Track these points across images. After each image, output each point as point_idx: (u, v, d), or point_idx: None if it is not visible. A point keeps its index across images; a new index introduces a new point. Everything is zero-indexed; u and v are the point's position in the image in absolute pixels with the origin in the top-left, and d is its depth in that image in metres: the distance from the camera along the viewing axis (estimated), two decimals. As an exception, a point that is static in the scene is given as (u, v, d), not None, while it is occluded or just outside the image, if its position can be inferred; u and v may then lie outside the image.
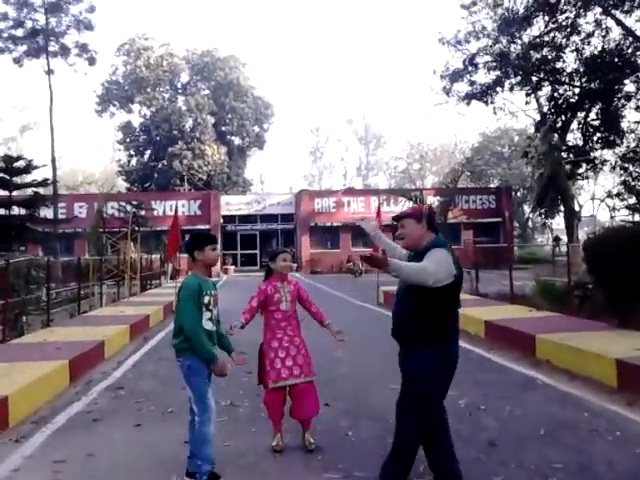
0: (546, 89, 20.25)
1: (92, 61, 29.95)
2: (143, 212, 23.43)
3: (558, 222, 27.10)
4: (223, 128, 47.00)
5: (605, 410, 5.02)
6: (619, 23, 17.85)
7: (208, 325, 3.62)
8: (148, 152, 46.77)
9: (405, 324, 3.26)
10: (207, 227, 32.14)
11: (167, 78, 46.37)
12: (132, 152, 47.13)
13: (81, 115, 77.05)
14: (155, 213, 31.00)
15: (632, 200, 16.72)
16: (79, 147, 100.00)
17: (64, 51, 29.05)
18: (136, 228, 21.56)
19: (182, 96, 47.12)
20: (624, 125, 18.93)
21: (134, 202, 23.21)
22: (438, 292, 3.06)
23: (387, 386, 6.03)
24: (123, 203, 24.01)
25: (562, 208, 19.89)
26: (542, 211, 20.08)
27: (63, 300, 12.67)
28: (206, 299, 3.61)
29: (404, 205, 25.79)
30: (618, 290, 7.77)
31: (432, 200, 25.46)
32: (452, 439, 3.41)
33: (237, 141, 48.63)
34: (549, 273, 13.48)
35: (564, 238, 22.78)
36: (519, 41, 19.85)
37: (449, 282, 3.09)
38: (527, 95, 20.98)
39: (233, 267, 34.46)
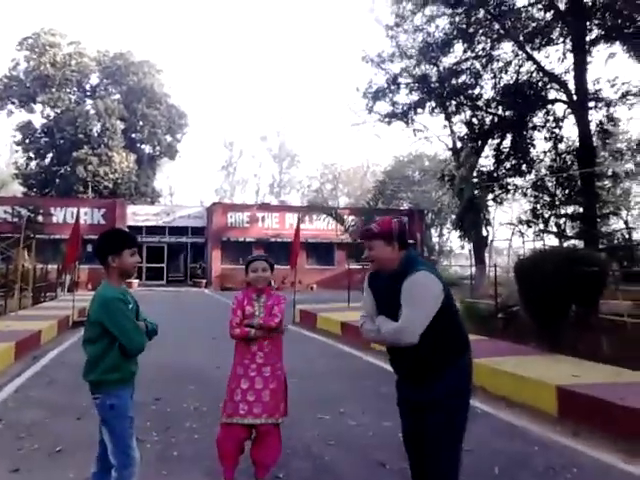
0: (464, 114, 20.79)
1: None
2: (40, 218, 21.53)
3: (461, 246, 27.67)
4: (133, 135, 44.83)
5: (553, 442, 4.69)
6: (530, 57, 18.62)
7: None
8: (50, 156, 43.48)
9: (420, 358, 2.76)
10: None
11: (75, 79, 43.52)
12: (32, 154, 43.66)
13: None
14: (54, 220, 28.58)
15: (540, 226, 17.38)
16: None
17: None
18: (30, 235, 19.67)
19: (90, 99, 44.46)
20: (533, 154, 19.71)
21: (30, 207, 21.27)
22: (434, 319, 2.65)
23: (315, 416, 5.42)
24: (17, 207, 21.94)
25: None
26: (460, 234, 20.45)
27: None
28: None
29: (323, 221, 25.51)
30: (547, 313, 7.64)
31: (347, 219, 25.37)
32: None
33: (147, 149, 46.50)
34: (467, 295, 13.47)
35: (468, 262, 23.39)
36: (439, 65, 20.27)
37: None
38: (446, 119, 21.46)
39: (137, 281, 32.53)
